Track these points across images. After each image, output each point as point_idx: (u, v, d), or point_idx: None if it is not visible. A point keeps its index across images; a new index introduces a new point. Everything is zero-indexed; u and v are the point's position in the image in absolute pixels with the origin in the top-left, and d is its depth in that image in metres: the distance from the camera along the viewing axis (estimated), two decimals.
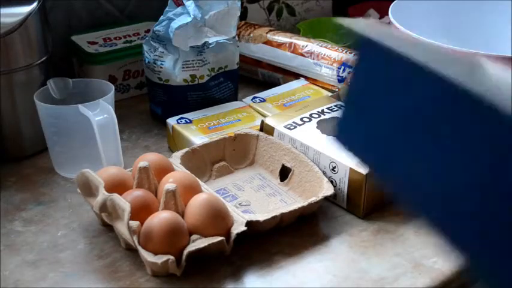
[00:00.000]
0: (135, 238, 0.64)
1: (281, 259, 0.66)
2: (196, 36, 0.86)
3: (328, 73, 0.94)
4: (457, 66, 0.32)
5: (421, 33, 0.85)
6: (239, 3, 0.88)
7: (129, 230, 0.63)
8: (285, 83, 0.97)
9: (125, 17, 1.07)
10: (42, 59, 0.83)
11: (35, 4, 0.81)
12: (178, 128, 0.84)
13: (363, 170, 0.71)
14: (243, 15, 1.13)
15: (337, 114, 0.41)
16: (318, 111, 0.81)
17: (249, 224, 0.66)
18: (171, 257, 0.62)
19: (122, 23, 1.05)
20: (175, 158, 0.76)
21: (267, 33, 1.03)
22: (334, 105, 0.82)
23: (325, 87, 0.94)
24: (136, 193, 0.68)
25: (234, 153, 0.80)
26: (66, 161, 0.80)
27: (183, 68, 0.87)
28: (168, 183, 0.67)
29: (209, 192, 0.70)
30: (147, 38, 0.89)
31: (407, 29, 0.87)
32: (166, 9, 0.87)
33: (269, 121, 0.81)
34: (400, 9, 0.94)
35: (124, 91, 0.99)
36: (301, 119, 0.80)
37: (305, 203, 0.69)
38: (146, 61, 0.89)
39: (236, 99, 0.93)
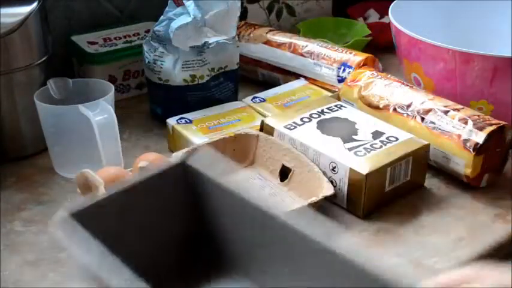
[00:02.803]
0: None
1: None
2: (196, 36, 0.86)
3: (328, 73, 0.94)
4: None
5: (421, 33, 0.85)
6: (239, 3, 0.88)
7: None
8: (284, 83, 0.97)
9: (125, 17, 1.06)
10: (42, 59, 0.83)
11: (35, 4, 0.81)
12: (178, 128, 0.84)
13: (363, 169, 0.71)
14: (243, 15, 1.13)
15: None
16: (318, 111, 0.81)
17: None
18: None
19: (122, 23, 1.05)
20: (175, 158, 0.76)
21: (267, 33, 1.03)
22: (334, 105, 0.82)
23: (325, 87, 0.94)
24: None
25: (234, 153, 0.80)
26: (66, 161, 0.80)
27: (183, 68, 0.87)
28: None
29: None
30: (147, 38, 0.89)
31: (408, 29, 0.87)
32: (166, 9, 0.87)
33: (269, 121, 0.81)
34: (400, 9, 0.94)
35: (124, 91, 0.99)
36: (301, 119, 0.80)
37: (305, 203, 0.69)
38: (146, 61, 0.89)
39: (236, 99, 0.93)
